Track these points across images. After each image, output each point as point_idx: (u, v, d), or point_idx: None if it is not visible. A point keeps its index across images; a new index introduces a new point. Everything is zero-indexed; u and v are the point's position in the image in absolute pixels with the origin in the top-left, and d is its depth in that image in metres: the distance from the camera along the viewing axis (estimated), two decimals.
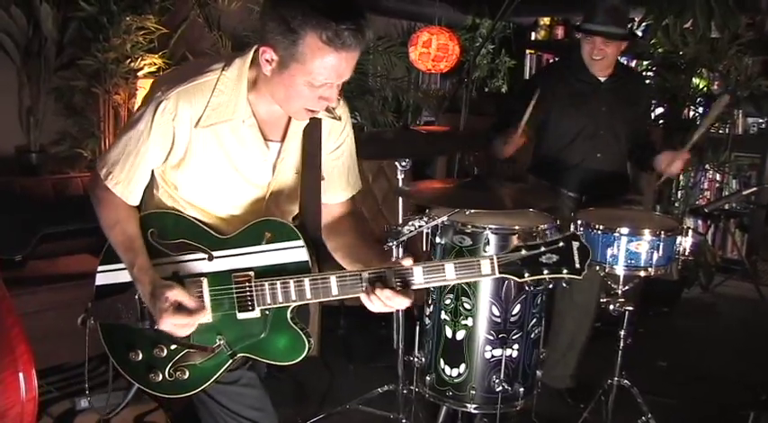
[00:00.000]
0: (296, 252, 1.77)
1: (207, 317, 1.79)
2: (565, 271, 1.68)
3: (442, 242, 2.81)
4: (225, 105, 1.78)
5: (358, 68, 4.70)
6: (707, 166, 5.23)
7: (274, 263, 1.77)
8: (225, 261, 1.80)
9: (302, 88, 1.69)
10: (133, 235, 1.83)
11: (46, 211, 3.59)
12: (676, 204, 5.16)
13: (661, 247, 2.80)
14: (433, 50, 4.83)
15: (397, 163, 2.71)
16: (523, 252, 1.67)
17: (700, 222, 5.56)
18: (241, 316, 1.79)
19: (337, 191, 2.03)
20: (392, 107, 5.14)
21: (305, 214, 1.91)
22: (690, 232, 2.97)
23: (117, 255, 1.85)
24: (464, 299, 2.78)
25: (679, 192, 5.17)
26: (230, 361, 1.83)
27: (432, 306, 2.91)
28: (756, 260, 5.52)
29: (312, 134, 1.89)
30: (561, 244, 1.67)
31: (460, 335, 2.82)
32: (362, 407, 3.17)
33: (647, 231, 2.81)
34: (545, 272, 1.69)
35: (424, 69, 5.01)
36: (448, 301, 2.83)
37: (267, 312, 1.79)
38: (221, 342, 1.81)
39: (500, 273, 1.69)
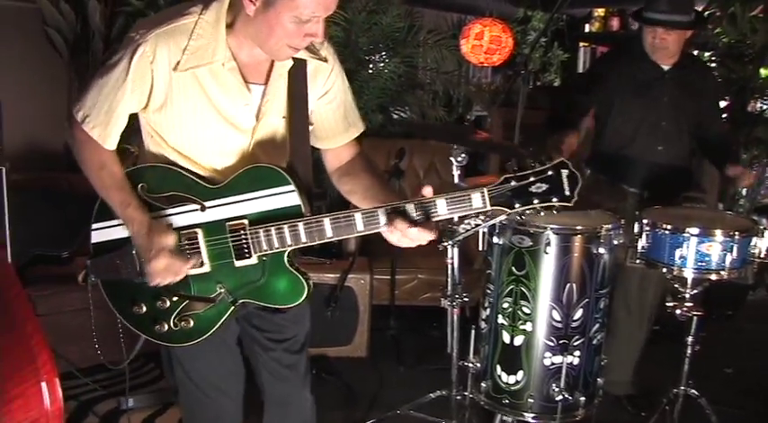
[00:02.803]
0: (287, 196, 1.78)
1: (205, 267, 1.82)
2: (555, 199, 1.65)
3: (500, 242, 2.68)
4: (204, 49, 1.75)
5: (407, 62, 4.67)
6: None
7: (267, 209, 1.79)
8: (218, 210, 1.81)
9: (288, 25, 1.66)
10: (122, 176, 1.84)
11: (93, 206, 3.55)
12: (741, 202, 4.92)
13: (735, 248, 2.63)
14: (485, 43, 4.72)
15: (452, 158, 2.59)
16: (513, 183, 1.65)
17: (765, 220, 5.29)
18: (239, 264, 1.81)
19: (339, 133, 2.00)
20: (443, 101, 5.02)
21: (294, 158, 1.90)
22: (766, 233, 2.77)
23: (108, 211, 1.85)
24: (523, 302, 2.65)
25: (744, 189, 4.93)
26: (232, 308, 1.85)
27: (488, 309, 2.79)
28: None
29: (297, 76, 1.86)
30: (550, 173, 1.65)
31: (519, 340, 2.69)
32: (414, 412, 3.07)
33: (719, 232, 2.64)
34: (535, 201, 1.66)
35: (476, 62, 4.88)
36: (506, 305, 2.70)
37: (264, 258, 1.81)
38: (221, 290, 1.84)
39: (491, 205, 1.67)
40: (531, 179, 1.64)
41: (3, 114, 3.04)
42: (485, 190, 1.66)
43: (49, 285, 3.33)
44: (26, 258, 3.33)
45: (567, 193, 1.65)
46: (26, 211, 3.28)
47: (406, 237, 1.68)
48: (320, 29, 1.69)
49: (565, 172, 1.64)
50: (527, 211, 1.67)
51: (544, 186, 1.64)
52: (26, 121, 3.93)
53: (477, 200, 1.67)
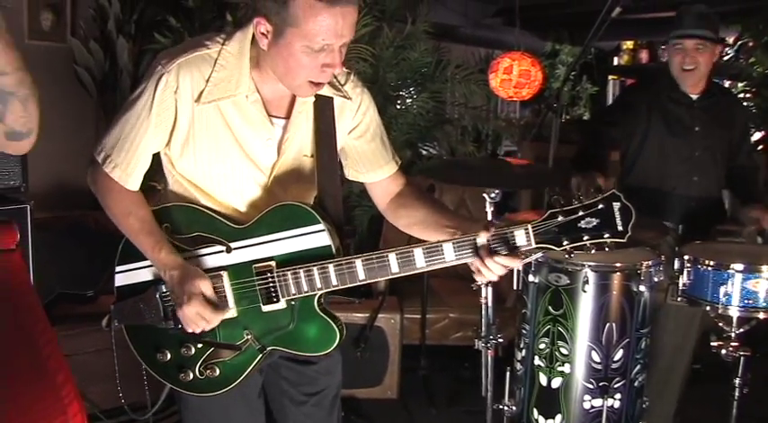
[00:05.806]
0: (317, 237, 1.69)
1: (231, 312, 1.73)
2: (606, 235, 1.55)
3: (536, 281, 2.60)
4: (227, 81, 1.69)
5: (436, 98, 4.63)
6: None
7: (295, 250, 1.69)
8: (244, 252, 1.72)
9: (301, 56, 1.59)
10: (151, 219, 1.76)
11: (118, 245, 3.53)
12: None
13: None
14: (514, 77, 4.67)
15: (485, 195, 2.52)
16: (560, 218, 1.55)
17: None
18: (266, 308, 1.71)
19: (383, 164, 1.92)
20: (471, 136, 4.97)
21: (323, 197, 1.82)
22: None
23: (133, 253, 1.77)
24: (560, 343, 2.56)
25: None
26: (260, 355, 1.75)
27: (524, 350, 2.69)
28: None
29: (324, 113, 1.79)
30: (601, 206, 1.55)
31: (556, 382, 2.60)
32: None
33: (765, 267, 2.53)
34: (585, 238, 1.56)
35: (505, 97, 4.84)
36: (542, 346, 2.61)
37: (293, 303, 1.71)
38: (249, 337, 1.74)
39: (536, 243, 1.57)
40: (581, 214, 1.55)
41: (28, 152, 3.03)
42: (529, 226, 1.57)
43: (73, 325, 3.28)
44: (50, 297, 3.30)
45: (620, 228, 1.55)
46: (51, 250, 3.25)
47: (485, 274, 1.62)
48: (336, 58, 1.61)
49: (617, 205, 1.55)
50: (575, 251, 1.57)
51: (594, 221, 1.55)
52: (53, 158, 3.92)
53: (522, 237, 1.58)
